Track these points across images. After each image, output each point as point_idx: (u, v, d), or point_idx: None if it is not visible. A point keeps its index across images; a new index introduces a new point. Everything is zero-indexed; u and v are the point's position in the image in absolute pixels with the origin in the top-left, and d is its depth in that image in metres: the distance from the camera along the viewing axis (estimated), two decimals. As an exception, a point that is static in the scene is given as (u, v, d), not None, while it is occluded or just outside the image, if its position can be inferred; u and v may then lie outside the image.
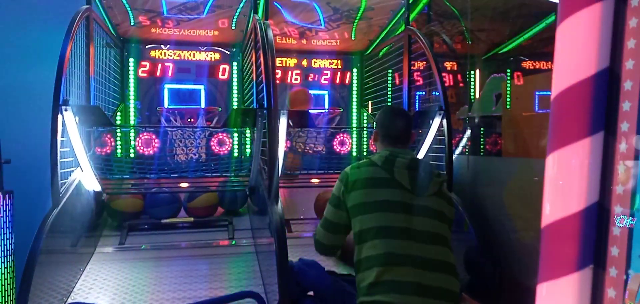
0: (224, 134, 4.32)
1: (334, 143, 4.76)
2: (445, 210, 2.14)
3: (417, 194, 2.03)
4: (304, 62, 5.76)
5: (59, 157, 3.01)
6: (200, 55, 5.45)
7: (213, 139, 4.29)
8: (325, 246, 2.40)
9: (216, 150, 4.30)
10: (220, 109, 5.36)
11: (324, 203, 3.23)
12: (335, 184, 2.27)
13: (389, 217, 2.00)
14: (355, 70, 5.92)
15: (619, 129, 1.58)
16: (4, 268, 2.99)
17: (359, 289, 2.06)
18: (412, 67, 4.54)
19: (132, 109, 5.29)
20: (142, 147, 4.04)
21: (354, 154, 5.37)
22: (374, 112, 5.63)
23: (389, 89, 5.29)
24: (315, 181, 4.39)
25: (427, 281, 1.96)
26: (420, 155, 3.98)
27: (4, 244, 2.99)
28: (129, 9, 4.54)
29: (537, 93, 3.92)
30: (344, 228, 2.25)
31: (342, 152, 4.83)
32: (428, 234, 2.03)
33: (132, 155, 4.35)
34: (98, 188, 3.62)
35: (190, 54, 5.42)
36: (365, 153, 5.49)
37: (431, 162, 3.94)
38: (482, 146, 5.37)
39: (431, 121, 3.77)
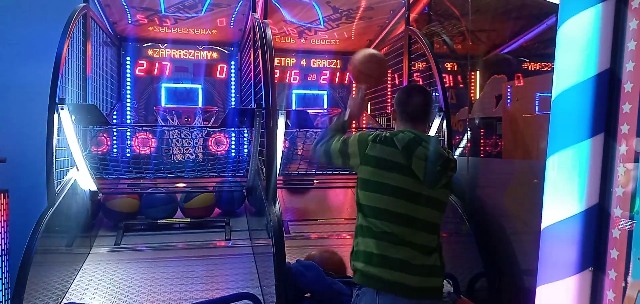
0: (222, 134, 4.30)
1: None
2: (446, 198, 2.18)
3: (428, 186, 2.02)
4: (303, 62, 5.74)
5: (54, 157, 2.98)
6: (198, 54, 5.43)
7: (210, 138, 4.26)
8: (326, 151, 2.30)
9: (213, 150, 4.28)
10: (217, 109, 5.34)
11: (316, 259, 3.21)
12: (352, 140, 2.17)
13: (396, 203, 2.01)
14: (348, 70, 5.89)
15: (619, 131, 1.57)
16: (-1, 267, 2.97)
17: (357, 254, 2.07)
18: (412, 68, 4.52)
19: (129, 108, 5.26)
20: (138, 147, 4.01)
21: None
22: (373, 113, 5.61)
23: (388, 89, 5.27)
24: (314, 181, 4.37)
25: (419, 261, 2.03)
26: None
27: (-1, 244, 2.97)
28: (126, 7, 4.51)
29: (538, 94, 3.90)
30: (343, 162, 2.23)
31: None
32: (429, 224, 2.06)
33: (128, 154, 4.33)
34: (94, 188, 3.59)
35: (187, 53, 5.40)
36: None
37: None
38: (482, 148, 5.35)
39: (431, 122, 3.75)
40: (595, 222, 1.62)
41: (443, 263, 2.12)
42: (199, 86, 5.43)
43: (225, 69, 5.50)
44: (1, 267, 3.00)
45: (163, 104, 5.27)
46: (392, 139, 2.06)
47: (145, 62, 5.29)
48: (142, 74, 5.30)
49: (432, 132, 3.77)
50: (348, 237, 4.10)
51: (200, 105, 5.37)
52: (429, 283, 2.03)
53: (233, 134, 4.66)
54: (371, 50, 2.53)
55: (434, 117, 3.72)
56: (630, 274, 1.50)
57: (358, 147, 2.12)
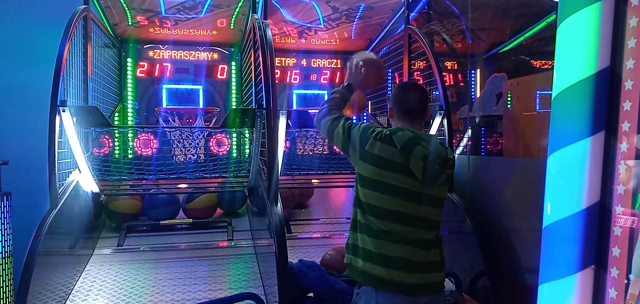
0: (223, 135, 4.31)
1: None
2: (444, 194, 2.19)
3: (426, 185, 2.02)
4: (304, 62, 5.74)
5: (56, 158, 2.99)
6: (199, 55, 5.43)
7: (212, 139, 4.27)
8: (329, 132, 2.28)
9: (215, 150, 4.29)
10: (218, 109, 5.35)
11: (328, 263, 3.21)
12: (357, 130, 2.14)
13: (395, 202, 2.01)
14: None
15: (620, 128, 1.57)
16: (3, 269, 2.97)
17: (355, 249, 2.08)
18: (412, 67, 4.52)
19: (130, 110, 5.27)
20: (140, 148, 4.02)
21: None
22: (373, 112, 5.61)
23: (389, 88, 5.27)
24: (315, 181, 4.38)
25: (419, 258, 2.03)
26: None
27: (2, 246, 2.98)
28: (127, 9, 4.52)
29: (539, 92, 3.90)
30: (342, 147, 2.22)
31: (342, 153, 4.80)
32: (428, 221, 2.06)
33: (130, 156, 4.34)
34: (96, 189, 3.60)
35: (188, 54, 5.40)
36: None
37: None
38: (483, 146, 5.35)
39: (431, 121, 3.76)
40: (597, 220, 1.62)
41: (443, 258, 2.12)
42: (200, 87, 5.44)
43: (226, 70, 5.50)
44: (4, 269, 3.01)
45: (164, 105, 5.28)
46: (391, 137, 2.06)
47: (146, 64, 5.30)
48: (143, 75, 5.31)
49: (433, 130, 3.78)
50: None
51: (201, 106, 5.38)
52: (429, 278, 2.04)
53: (234, 135, 4.66)
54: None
55: (431, 113, 3.71)
56: (631, 273, 1.50)
57: (359, 141, 2.12)
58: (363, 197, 2.08)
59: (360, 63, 2.35)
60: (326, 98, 2.61)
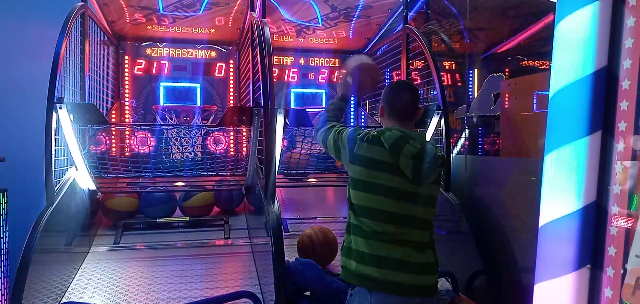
0: (220, 133, 4.30)
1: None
2: (436, 193, 2.20)
3: (417, 184, 2.02)
4: (302, 61, 5.74)
5: (53, 156, 2.98)
6: (197, 53, 5.42)
7: (209, 137, 4.26)
8: (323, 142, 2.34)
9: (212, 149, 4.28)
10: (216, 108, 5.34)
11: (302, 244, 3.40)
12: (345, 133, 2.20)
13: (387, 203, 2.02)
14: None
15: (617, 128, 1.57)
16: (-2, 267, 2.96)
17: (349, 252, 2.09)
18: (410, 66, 4.52)
19: (127, 107, 5.26)
20: (137, 146, 4.01)
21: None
22: (371, 111, 5.61)
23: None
24: (312, 180, 4.38)
25: (412, 259, 2.03)
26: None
27: (-2, 243, 2.97)
28: (124, 6, 4.51)
29: (536, 93, 3.91)
30: (335, 155, 2.26)
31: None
32: (421, 220, 2.06)
33: (127, 153, 4.33)
34: (93, 187, 3.59)
35: (186, 52, 5.40)
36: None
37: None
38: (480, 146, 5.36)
39: (429, 120, 3.76)
40: (593, 219, 1.62)
41: (437, 260, 2.12)
42: (198, 85, 5.43)
43: (223, 68, 5.50)
44: (0, 266, 2.99)
45: (162, 103, 5.27)
46: (379, 138, 2.06)
47: (143, 61, 5.29)
48: (140, 73, 5.30)
49: (430, 130, 3.78)
50: (346, 235, 4.10)
51: (199, 104, 5.37)
52: (422, 280, 2.04)
53: (232, 133, 4.66)
54: (362, 61, 2.51)
55: (422, 113, 3.71)
56: (627, 262, 1.50)
57: (347, 144, 2.13)
58: (354, 199, 2.09)
59: (353, 70, 2.37)
60: (324, 105, 2.65)
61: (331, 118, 2.33)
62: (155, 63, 5.32)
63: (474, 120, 5.27)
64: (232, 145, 4.75)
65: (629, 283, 1.49)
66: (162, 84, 5.35)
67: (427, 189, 2.09)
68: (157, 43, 5.30)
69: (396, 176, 2.02)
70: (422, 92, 4.51)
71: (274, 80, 3.72)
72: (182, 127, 4.38)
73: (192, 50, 5.41)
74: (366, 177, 2.05)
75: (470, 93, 6.23)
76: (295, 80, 5.74)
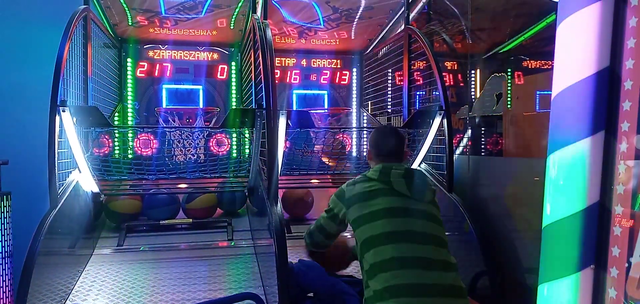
0: (223, 135, 4.31)
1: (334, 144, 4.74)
2: (438, 213, 2.24)
3: (415, 199, 2.06)
4: (303, 62, 5.75)
5: (56, 159, 2.99)
6: (199, 55, 5.44)
7: (211, 139, 4.27)
8: (316, 244, 2.60)
9: (215, 151, 4.29)
10: (218, 109, 5.35)
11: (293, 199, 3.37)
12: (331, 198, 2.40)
13: (392, 223, 2.04)
14: (354, 70, 5.91)
15: (620, 128, 1.57)
16: (2, 269, 2.98)
17: (369, 298, 2.07)
18: (412, 67, 4.52)
19: (130, 110, 5.27)
20: (140, 148, 4.02)
21: (354, 154, 5.36)
22: (373, 112, 5.61)
23: (389, 88, 5.27)
24: (314, 181, 4.38)
25: (433, 280, 2.00)
26: (421, 155, 3.96)
27: (2, 246, 2.98)
28: (127, 9, 4.52)
29: (538, 92, 3.90)
30: (334, 236, 2.49)
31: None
32: (429, 236, 2.07)
33: (130, 156, 4.34)
34: (96, 189, 3.60)
35: (188, 54, 5.41)
36: (364, 154, 5.47)
37: (430, 163, 3.94)
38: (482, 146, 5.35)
39: (431, 121, 3.75)
40: (596, 220, 1.62)
41: (462, 286, 2.08)
42: (200, 87, 5.44)
43: (225, 70, 5.51)
44: (4, 269, 3.01)
45: (164, 105, 5.29)
46: (365, 175, 2.22)
47: (146, 64, 5.31)
48: (143, 75, 5.31)
49: (433, 131, 3.78)
50: (350, 236, 4.10)
51: (201, 106, 5.38)
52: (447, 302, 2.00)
53: (234, 135, 4.67)
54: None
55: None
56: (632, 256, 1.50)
57: (339, 201, 2.28)
58: (361, 237, 2.12)
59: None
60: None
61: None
62: (157, 65, 5.33)
63: (477, 120, 5.26)
64: (234, 147, 4.76)
65: (631, 295, 1.49)
66: (165, 86, 5.36)
67: (426, 206, 2.12)
68: (160, 45, 5.32)
69: (392, 197, 2.11)
70: (424, 92, 4.51)
71: (276, 81, 3.73)
72: (185, 129, 4.39)
73: (194, 52, 5.42)
74: (365, 210, 2.13)
75: (472, 93, 6.22)
76: (297, 81, 5.74)
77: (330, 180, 4.39)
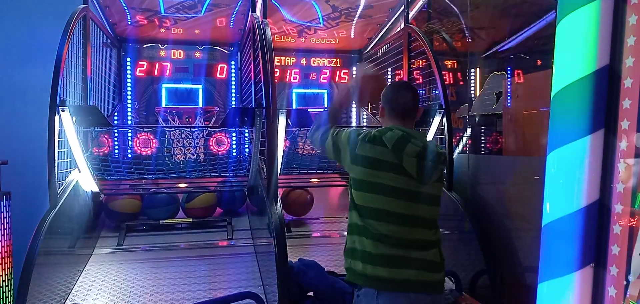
0: (222, 134, 4.31)
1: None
2: (439, 192, 2.19)
3: (421, 182, 2.02)
4: (303, 61, 5.74)
5: (56, 158, 2.99)
6: (198, 55, 5.43)
7: (211, 138, 4.27)
8: (321, 144, 2.33)
9: (214, 150, 4.29)
10: (218, 109, 5.35)
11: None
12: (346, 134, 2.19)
13: (392, 203, 2.01)
14: (354, 68, 5.91)
15: (620, 126, 1.57)
16: (2, 269, 2.98)
17: (354, 253, 2.08)
18: (411, 66, 4.52)
19: (129, 109, 5.27)
20: (139, 148, 4.02)
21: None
22: (373, 111, 5.61)
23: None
24: (314, 180, 4.38)
25: (419, 257, 2.03)
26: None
27: (2, 246, 2.98)
28: (126, 8, 4.52)
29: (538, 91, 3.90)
30: (335, 157, 2.26)
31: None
32: (426, 219, 2.06)
33: (129, 155, 4.34)
34: (96, 189, 3.60)
35: (188, 54, 5.40)
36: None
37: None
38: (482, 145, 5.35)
39: (431, 120, 3.75)
40: (596, 218, 1.62)
41: (443, 258, 2.11)
42: (200, 86, 5.44)
43: (225, 69, 5.50)
44: (4, 269, 3.01)
45: (164, 105, 5.28)
46: (381, 137, 2.05)
47: (145, 63, 5.30)
48: (142, 74, 5.31)
49: (432, 129, 3.78)
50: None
51: (200, 105, 5.38)
52: (429, 277, 2.04)
53: (234, 134, 4.67)
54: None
55: (422, 113, 3.68)
56: (630, 274, 1.50)
57: (348, 145, 2.13)
58: (358, 201, 2.08)
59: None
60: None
61: (328, 121, 2.32)
62: (157, 65, 5.33)
63: (476, 119, 5.26)
64: (234, 146, 4.76)
65: (632, 294, 1.49)
66: (164, 85, 5.36)
67: (431, 187, 2.08)
68: (159, 45, 5.32)
69: (400, 175, 2.01)
70: (423, 91, 4.51)
71: (276, 80, 3.73)
72: (185, 128, 4.39)
73: (193, 51, 5.42)
74: (369, 178, 2.04)
75: (472, 92, 6.22)
76: (296, 80, 5.74)
77: (330, 179, 4.40)
